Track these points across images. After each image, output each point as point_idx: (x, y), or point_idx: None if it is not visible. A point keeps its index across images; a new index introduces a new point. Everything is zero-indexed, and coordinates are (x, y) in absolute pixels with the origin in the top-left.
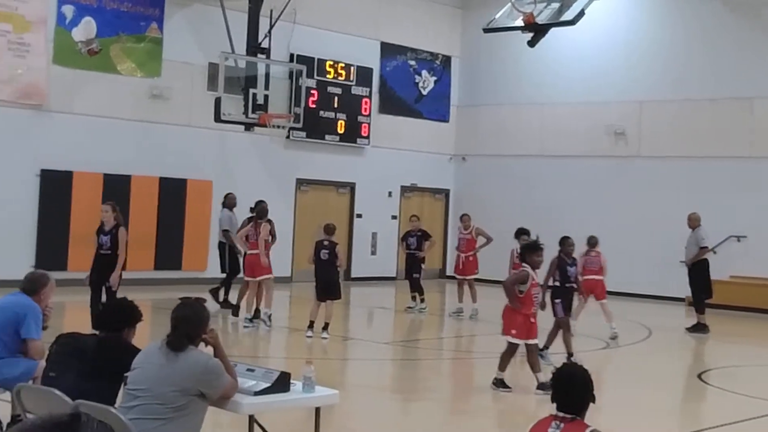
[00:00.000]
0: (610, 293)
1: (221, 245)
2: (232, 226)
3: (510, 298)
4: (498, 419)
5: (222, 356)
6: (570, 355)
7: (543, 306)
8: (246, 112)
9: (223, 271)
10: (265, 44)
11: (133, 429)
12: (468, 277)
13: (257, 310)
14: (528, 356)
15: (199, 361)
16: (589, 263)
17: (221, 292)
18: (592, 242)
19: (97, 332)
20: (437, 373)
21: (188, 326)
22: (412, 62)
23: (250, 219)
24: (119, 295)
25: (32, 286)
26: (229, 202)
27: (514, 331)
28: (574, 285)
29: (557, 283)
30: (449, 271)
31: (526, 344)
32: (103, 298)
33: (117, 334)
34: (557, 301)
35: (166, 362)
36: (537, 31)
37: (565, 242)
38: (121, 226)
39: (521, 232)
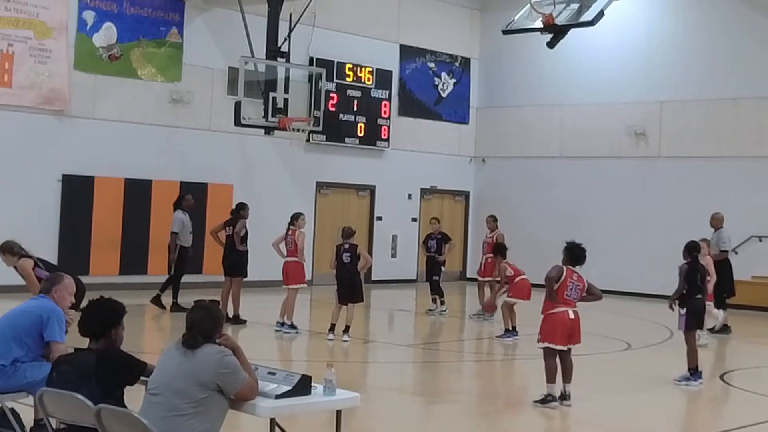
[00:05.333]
0: (632, 294)
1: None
2: (184, 228)
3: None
4: (522, 422)
5: (241, 357)
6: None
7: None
8: (266, 116)
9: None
10: (284, 48)
11: (155, 430)
12: (488, 280)
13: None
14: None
15: (213, 356)
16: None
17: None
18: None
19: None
20: (459, 375)
21: (203, 326)
22: (432, 64)
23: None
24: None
25: (46, 284)
26: (186, 203)
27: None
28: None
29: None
30: (470, 273)
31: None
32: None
33: (112, 347)
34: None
35: (184, 359)
36: (556, 32)
37: (696, 247)
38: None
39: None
